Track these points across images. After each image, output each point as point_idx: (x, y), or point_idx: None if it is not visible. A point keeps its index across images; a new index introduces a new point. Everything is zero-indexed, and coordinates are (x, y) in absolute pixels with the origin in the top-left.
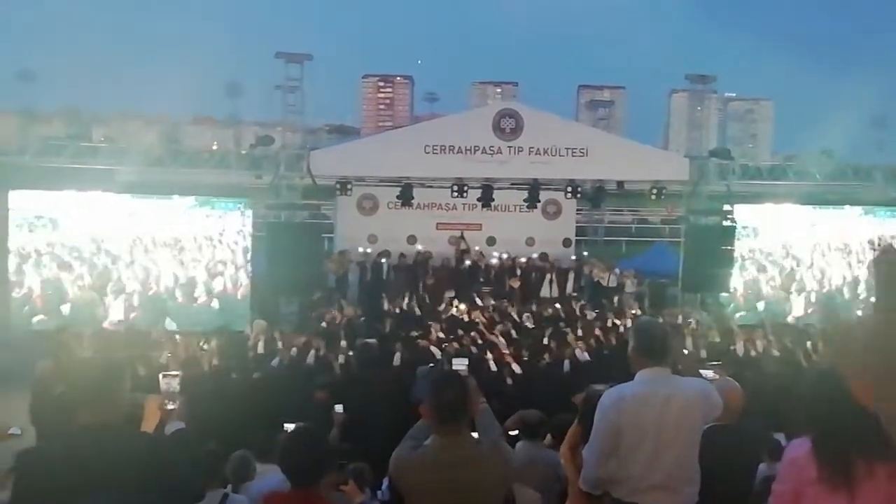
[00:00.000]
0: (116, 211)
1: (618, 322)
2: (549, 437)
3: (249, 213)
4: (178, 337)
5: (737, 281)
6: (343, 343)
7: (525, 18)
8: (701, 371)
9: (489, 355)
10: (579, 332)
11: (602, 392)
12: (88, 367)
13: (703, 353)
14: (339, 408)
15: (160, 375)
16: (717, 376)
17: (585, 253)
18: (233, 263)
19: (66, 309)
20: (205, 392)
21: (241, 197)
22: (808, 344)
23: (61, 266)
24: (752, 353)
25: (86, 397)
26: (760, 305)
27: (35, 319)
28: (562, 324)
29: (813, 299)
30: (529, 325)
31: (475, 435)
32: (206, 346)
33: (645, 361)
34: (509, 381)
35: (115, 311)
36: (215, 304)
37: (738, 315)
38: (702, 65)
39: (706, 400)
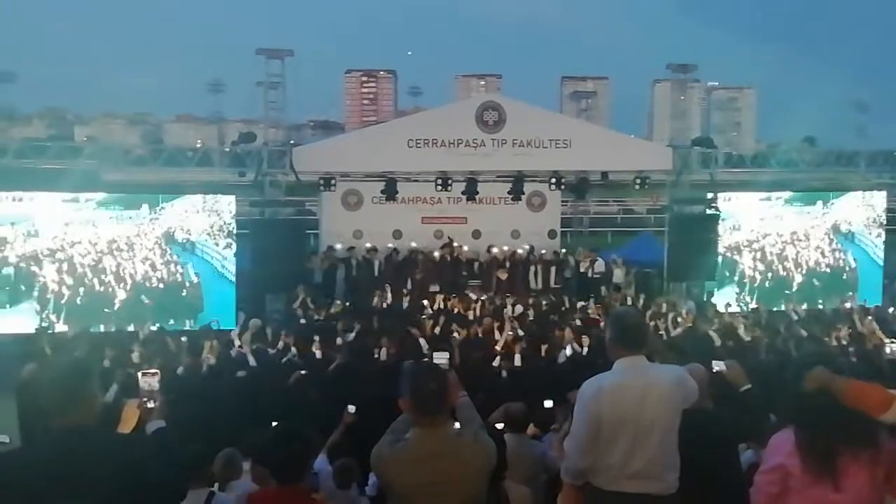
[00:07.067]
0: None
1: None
2: (531, 426)
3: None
4: (168, 338)
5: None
6: (332, 340)
7: (508, 11)
8: (713, 362)
9: (478, 348)
10: (577, 323)
11: None
12: (55, 370)
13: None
14: (351, 408)
15: (139, 374)
16: (727, 368)
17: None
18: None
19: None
20: (191, 391)
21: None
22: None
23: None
24: (743, 339)
25: (55, 401)
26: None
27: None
28: (553, 316)
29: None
30: (518, 317)
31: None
32: (207, 347)
33: (622, 351)
34: (502, 373)
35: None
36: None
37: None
38: (684, 54)
39: (683, 386)
